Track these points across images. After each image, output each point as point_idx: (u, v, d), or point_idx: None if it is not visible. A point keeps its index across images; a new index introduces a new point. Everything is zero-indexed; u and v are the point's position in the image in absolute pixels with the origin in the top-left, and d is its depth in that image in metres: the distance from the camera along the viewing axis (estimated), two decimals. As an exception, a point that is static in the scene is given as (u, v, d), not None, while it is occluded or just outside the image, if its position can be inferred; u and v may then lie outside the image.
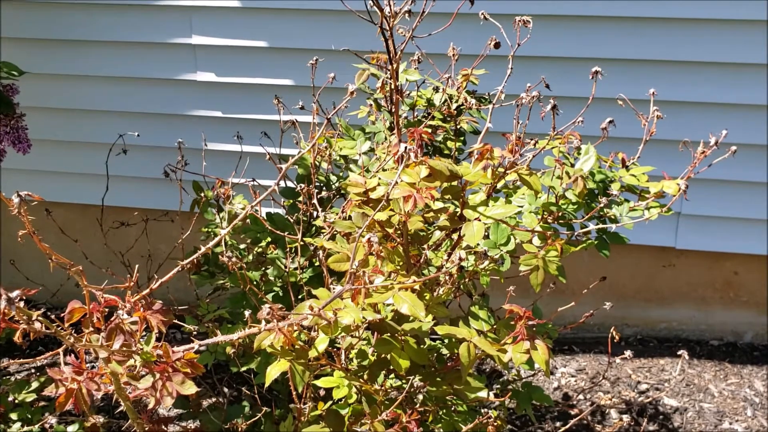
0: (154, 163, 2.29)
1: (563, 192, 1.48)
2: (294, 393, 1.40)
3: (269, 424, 1.73)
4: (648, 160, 1.66)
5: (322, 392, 1.54)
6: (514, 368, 2.01)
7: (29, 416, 1.88)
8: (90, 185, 2.68)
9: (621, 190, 1.52)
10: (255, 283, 1.72)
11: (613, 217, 1.49)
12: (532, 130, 1.53)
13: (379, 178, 1.29)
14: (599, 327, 2.83)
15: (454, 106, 1.74)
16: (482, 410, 1.59)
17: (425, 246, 1.40)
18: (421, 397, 1.44)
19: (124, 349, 0.91)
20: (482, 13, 1.45)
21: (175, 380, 0.91)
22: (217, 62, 2.57)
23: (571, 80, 2.25)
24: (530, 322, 1.20)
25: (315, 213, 1.72)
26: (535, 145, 1.45)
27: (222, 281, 1.87)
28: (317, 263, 1.73)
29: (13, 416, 1.87)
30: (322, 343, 1.22)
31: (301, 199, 1.70)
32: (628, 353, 1.61)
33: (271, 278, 1.77)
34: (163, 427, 1.51)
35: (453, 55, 1.71)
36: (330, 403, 1.42)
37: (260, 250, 1.83)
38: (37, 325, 0.82)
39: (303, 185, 1.66)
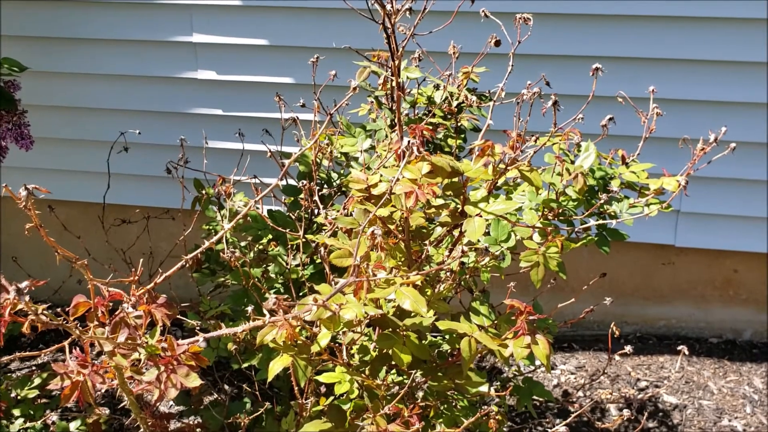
0: (155, 161, 2.29)
1: (563, 189, 1.49)
2: (296, 388, 1.41)
3: (271, 421, 1.74)
4: (648, 157, 1.66)
5: (323, 389, 1.55)
6: (515, 365, 2.01)
7: (32, 412, 1.89)
8: (91, 183, 2.69)
9: (621, 187, 1.52)
10: (257, 279, 1.73)
11: (613, 213, 1.50)
12: (532, 128, 1.54)
13: (381, 175, 1.30)
14: (599, 324, 2.84)
15: (455, 103, 1.75)
16: (483, 406, 1.60)
17: (427, 242, 1.40)
18: (422, 393, 1.45)
19: (129, 342, 0.92)
20: (483, 11, 1.46)
21: (179, 373, 0.92)
22: (218, 60, 2.58)
23: (571, 78, 2.26)
24: (531, 318, 1.20)
25: (316, 210, 1.73)
26: (535, 141, 1.46)
27: (223, 279, 1.87)
28: (319, 260, 1.74)
29: (16, 412, 1.88)
30: (324, 338, 1.23)
31: (302, 196, 1.70)
32: (628, 348, 1.62)
33: (273, 275, 1.78)
34: (165, 422, 1.52)
35: (454, 53, 1.72)
36: (332, 398, 1.43)
37: (261, 247, 1.83)
38: (44, 317, 0.82)
39: (304, 182, 1.66)
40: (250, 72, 2.58)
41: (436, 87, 1.80)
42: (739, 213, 2.54)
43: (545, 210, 1.50)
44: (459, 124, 1.77)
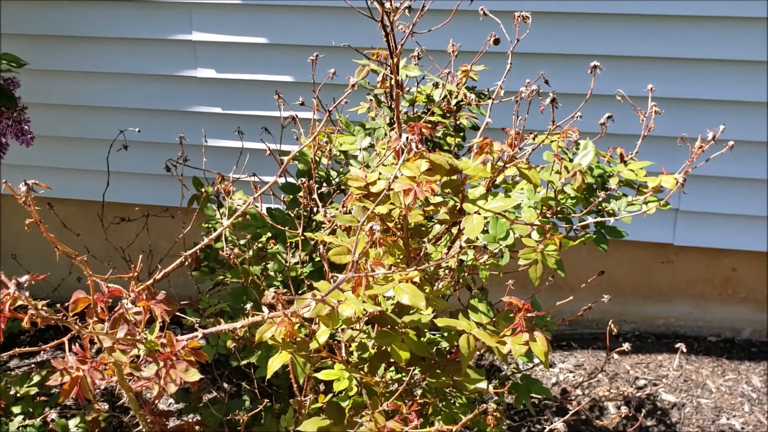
0: (155, 160, 2.29)
1: (562, 186, 1.49)
2: (295, 386, 1.41)
3: (270, 418, 1.74)
4: (646, 156, 1.67)
5: (322, 386, 1.55)
6: (513, 363, 2.02)
7: (31, 410, 1.89)
8: (90, 181, 2.69)
9: (619, 185, 1.53)
10: (256, 277, 1.73)
11: (611, 211, 1.51)
12: (531, 126, 1.54)
13: (380, 173, 1.30)
14: (597, 323, 2.85)
15: (454, 102, 1.75)
16: (481, 404, 1.60)
17: (425, 240, 1.41)
18: (420, 390, 1.45)
19: (129, 337, 0.92)
20: (482, 9, 1.46)
21: (179, 368, 0.92)
22: (218, 59, 2.58)
23: (570, 77, 2.26)
24: (529, 315, 1.21)
25: (315, 208, 1.73)
26: (534, 139, 1.46)
27: (222, 277, 1.88)
28: (318, 258, 1.74)
29: (15, 410, 1.88)
30: (323, 335, 1.23)
31: (301, 194, 1.71)
32: (626, 346, 1.63)
33: (272, 273, 1.78)
34: (164, 420, 1.52)
35: (452, 51, 1.72)
36: (330, 395, 1.44)
37: (260, 245, 1.84)
38: (44, 313, 0.83)
39: (303, 180, 1.67)
40: (250, 70, 2.58)
41: (435, 85, 1.80)
42: (739, 212, 2.54)
43: (544, 208, 1.50)
44: (458, 122, 1.77)
